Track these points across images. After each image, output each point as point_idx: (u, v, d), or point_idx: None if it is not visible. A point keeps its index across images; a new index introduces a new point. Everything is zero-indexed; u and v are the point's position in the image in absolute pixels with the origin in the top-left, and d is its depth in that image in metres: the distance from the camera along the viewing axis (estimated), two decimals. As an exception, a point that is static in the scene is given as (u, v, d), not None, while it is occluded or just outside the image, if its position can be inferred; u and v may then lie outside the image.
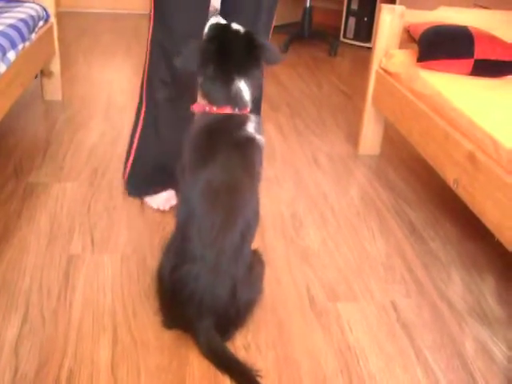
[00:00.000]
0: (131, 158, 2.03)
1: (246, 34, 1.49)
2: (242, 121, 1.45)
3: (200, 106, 1.50)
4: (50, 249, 1.75)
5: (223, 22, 1.55)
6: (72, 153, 2.40)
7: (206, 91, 1.48)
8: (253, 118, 1.47)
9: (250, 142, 1.45)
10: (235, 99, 1.45)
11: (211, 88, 1.46)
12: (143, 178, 2.04)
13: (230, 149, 1.42)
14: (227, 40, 1.47)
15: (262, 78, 1.55)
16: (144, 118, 1.97)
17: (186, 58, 1.49)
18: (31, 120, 2.74)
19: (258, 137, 1.46)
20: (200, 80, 1.48)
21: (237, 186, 1.40)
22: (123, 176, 2.09)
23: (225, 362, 1.34)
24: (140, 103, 1.98)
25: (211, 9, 1.93)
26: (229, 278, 1.35)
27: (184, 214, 1.41)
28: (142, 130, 1.98)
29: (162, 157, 1.98)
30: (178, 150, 1.99)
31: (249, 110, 1.47)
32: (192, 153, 1.46)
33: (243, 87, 1.45)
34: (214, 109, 1.46)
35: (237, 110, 1.45)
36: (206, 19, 1.89)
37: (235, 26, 1.51)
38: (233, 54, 1.46)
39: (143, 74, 1.95)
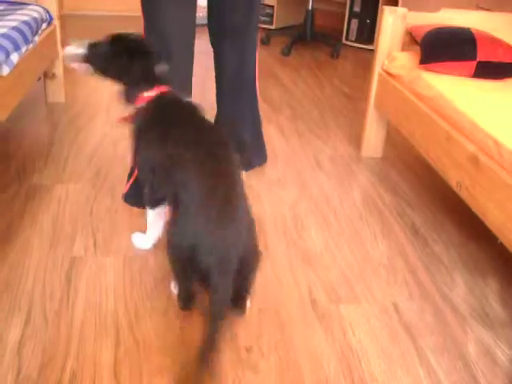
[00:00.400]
0: (133, 178, 2.00)
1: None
2: (173, 95, 1.61)
3: (124, 116, 1.65)
4: (53, 251, 1.75)
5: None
6: (74, 155, 2.40)
7: (130, 84, 1.62)
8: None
9: (200, 107, 1.58)
10: (161, 79, 1.62)
11: (135, 75, 1.60)
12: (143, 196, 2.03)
13: (183, 115, 1.56)
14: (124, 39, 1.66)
15: None
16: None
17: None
18: (34, 122, 2.74)
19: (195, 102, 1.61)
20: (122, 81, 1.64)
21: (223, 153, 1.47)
22: (124, 189, 2.07)
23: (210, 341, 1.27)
24: None
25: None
26: (244, 228, 1.40)
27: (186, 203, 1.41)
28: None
29: None
30: None
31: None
32: (165, 136, 1.51)
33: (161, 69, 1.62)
34: (147, 94, 1.58)
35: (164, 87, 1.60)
36: (195, 19, 1.90)
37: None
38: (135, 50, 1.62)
39: None
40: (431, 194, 2.31)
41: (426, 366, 1.43)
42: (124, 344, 1.41)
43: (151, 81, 1.59)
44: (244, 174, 2.13)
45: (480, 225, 1.66)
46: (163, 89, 1.59)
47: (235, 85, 2.12)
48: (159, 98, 1.57)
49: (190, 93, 1.96)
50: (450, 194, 2.15)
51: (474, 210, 1.66)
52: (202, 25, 2.24)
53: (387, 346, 1.48)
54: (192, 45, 1.89)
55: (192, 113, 1.55)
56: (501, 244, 1.54)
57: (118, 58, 1.60)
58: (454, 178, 1.78)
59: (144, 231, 1.88)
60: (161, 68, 1.61)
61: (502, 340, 1.53)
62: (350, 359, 1.42)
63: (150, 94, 1.57)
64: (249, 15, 1.99)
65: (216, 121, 2.22)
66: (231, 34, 2.00)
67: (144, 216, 1.98)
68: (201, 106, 1.56)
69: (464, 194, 1.71)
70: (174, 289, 1.59)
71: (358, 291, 1.69)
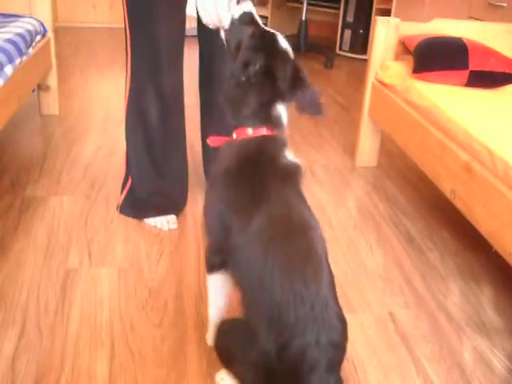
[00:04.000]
0: (128, 186, 2.00)
1: (296, 65, 1.33)
2: (282, 145, 1.26)
3: (221, 138, 1.31)
4: (47, 263, 1.75)
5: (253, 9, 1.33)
6: (69, 166, 2.40)
7: (239, 106, 1.24)
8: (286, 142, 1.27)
9: (298, 169, 1.25)
10: (276, 121, 1.25)
11: (249, 102, 1.23)
12: (139, 206, 2.01)
13: (280, 181, 1.19)
14: (277, 49, 1.29)
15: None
16: (136, 148, 1.93)
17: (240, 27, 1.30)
18: (28, 134, 2.74)
19: (299, 161, 1.27)
20: (228, 92, 1.27)
21: (303, 221, 1.17)
22: (119, 201, 2.06)
23: None
24: (128, 133, 1.94)
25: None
26: (340, 317, 1.14)
27: (254, 281, 1.10)
28: (137, 156, 1.94)
29: (157, 181, 1.96)
30: (174, 172, 1.98)
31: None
32: (232, 196, 1.20)
33: (283, 112, 1.27)
34: (249, 131, 1.24)
35: (276, 131, 1.25)
36: (184, 29, 1.88)
37: (282, 40, 1.32)
38: (280, 73, 1.26)
39: (127, 102, 1.89)
40: (426, 203, 2.32)
41: (422, 375, 1.42)
42: (119, 356, 1.41)
43: (263, 118, 1.25)
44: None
45: (474, 233, 1.67)
46: (270, 132, 1.25)
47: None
48: (259, 145, 1.24)
49: (182, 100, 1.95)
50: (444, 203, 2.15)
51: (468, 218, 1.67)
52: (192, 36, 2.24)
53: (384, 355, 1.48)
54: (182, 53, 1.88)
55: (288, 179, 1.22)
56: (495, 252, 1.54)
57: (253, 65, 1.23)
58: (447, 186, 1.78)
59: (139, 244, 1.88)
60: (281, 109, 1.27)
61: (497, 348, 1.53)
62: (346, 369, 1.42)
63: (253, 132, 1.25)
64: None
65: (204, 144, 2.18)
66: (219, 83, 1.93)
67: (139, 229, 1.97)
68: (300, 167, 1.26)
69: (458, 203, 1.72)
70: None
71: (354, 301, 1.68)
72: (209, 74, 1.99)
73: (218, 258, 1.28)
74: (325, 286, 1.09)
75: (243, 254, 1.13)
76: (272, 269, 1.07)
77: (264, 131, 1.24)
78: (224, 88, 1.29)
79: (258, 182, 1.17)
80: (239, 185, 1.19)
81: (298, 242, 1.11)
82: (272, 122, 1.25)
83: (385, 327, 1.58)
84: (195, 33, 1.97)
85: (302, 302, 1.05)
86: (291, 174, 1.23)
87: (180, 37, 1.85)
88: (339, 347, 1.12)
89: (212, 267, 1.32)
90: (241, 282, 1.17)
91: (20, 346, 1.41)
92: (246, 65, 1.23)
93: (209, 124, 2.08)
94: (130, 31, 1.78)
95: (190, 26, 2.03)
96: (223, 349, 1.25)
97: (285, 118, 1.28)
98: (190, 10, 1.86)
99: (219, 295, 1.35)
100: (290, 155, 1.25)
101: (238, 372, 1.22)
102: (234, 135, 1.26)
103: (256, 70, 1.22)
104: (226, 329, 1.27)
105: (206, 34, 1.96)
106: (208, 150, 2.11)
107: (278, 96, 1.25)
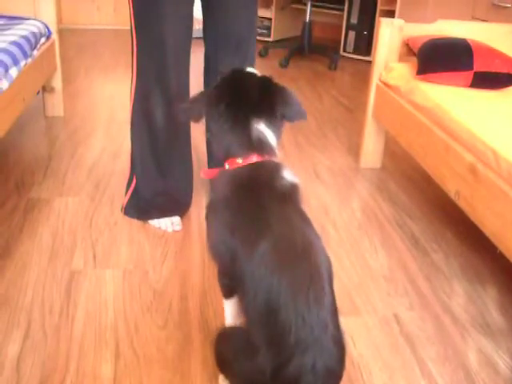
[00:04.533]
0: (132, 187, 2.00)
1: (263, 77, 1.34)
2: (276, 167, 1.25)
3: (213, 170, 1.32)
4: (52, 264, 1.75)
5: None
6: (73, 168, 2.41)
7: (223, 141, 1.28)
8: (282, 164, 1.28)
9: (296, 189, 1.24)
10: (259, 145, 1.25)
11: (228, 136, 1.27)
12: (143, 207, 2.01)
13: (279, 203, 1.18)
14: (240, 81, 1.32)
15: (282, 124, 1.34)
16: (141, 149, 1.94)
17: (192, 104, 1.34)
18: (33, 136, 2.75)
19: (298, 181, 1.26)
20: (210, 132, 1.30)
21: (307, 241, 1.15)
22: (123, 202, 2.06)
23: None
24: (133, 135, 1.95)
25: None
26: (340, 345, 1.12)
27: (258, 303, 1.09)
28: (141, 157, 1.95)
29: (162, 182, 1.97)
30: (178, 173, 1.99)
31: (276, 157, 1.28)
32: (234, 223, 1.18)
33: (265, 131, 1.27)
34: (239, 161, 1.25)
35: (266, 157, 1.25)
36: (191, 29, 1.88)
37: (250, 69, 1.37)
38: (248, 96, 1.29)
39: (132, 103, 1.89)
40: (430, 204, 2.31)
41: (427, 377, 1.42)
42: (124, 357, 1.41)
43: (248, 145, 1.25)
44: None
45: (479, 234, 1.66)
46: (260, 157, 1.25)
47: None
48: (252, 171, 1.24)
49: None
50: (448, 204, 2.15)
51: (472, 219, 1.66)
52: (197, 38, 2.24)
53: (388, 357, 1.48)
54: (188, 54, 1.88)
55: (287, 201, 1.21)
56: (500, 253, 1.54)
57: (216, 107, 1.28)
58: (452, 187, 1.78)
59: (144, 245, 1.89)
60: (258, 130, 1.27)
61: (502, 349, 1.53)
62: (351, 371, 1.42)
63: (243, 161, 1.25)
64: (251, 25, 1.98)
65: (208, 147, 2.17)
66: (234, 46, 1.98)
67: (144, 230, 1.98)
68: (297, 185, 1.25)
69: (462, 204, 1.71)
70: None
71: (359, 302, 1.68)
72: (214, 75, 1.99)
73: (229, 281, 1.28)
74: (325, 310, 1.08)
75: (249, 277, 1.11)
76: (278, 292, 1.06)
77: (254, 158, 1.24)
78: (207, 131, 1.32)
79: (258, 208, 1.17)
80: (240, 212, 1.19)
81: (302, 265, 1.10)
82: (257, 147, 1.25)
83: (389, 328, 1.58)
84: (200, 34, 1.97)
85: (304, 325, 1.05)
86: (289, 195, 1.22)
87: (187, 38, 1.84)
88: (334, 374, 1.10)
89: (226, 291, 1.33)
90: (246, 302, 1.16)
91: (25, 347, 1.42)
92: (216, 104, 1.27)
93: None
94: (136, 32, 1.78)
95: (195, 27, 2.03)
96: (220, 355, 1.25)
97: (272, 139, 1.28)
98: (195, 12, 1.86)
99: (236, 321, 1.34)
100: (287, 175, 1.24)
101: (232, 380, 1.23)
102: (227, 165, 1.27)
103: (225, 105, 1.26)
104: (225, 335, 1.26)
105: (213, 36, 1.96)
106: (213, 154, 2.11)
107: (258, 119, 1.26)
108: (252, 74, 1.35)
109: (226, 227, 1.20)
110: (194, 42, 1.90)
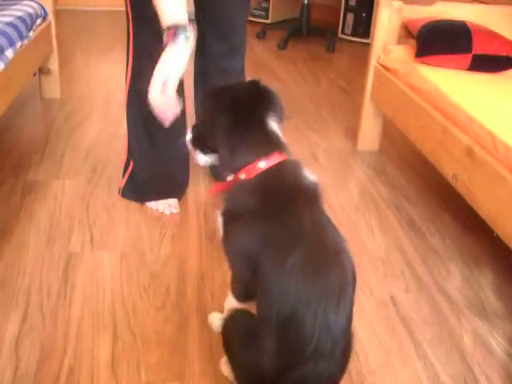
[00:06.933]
0: (129, 169, 2.00)
1: (253, 81, 1.29)
2: (298, 167, 1.20)
3: (223, 183, 1.24)
4: (50, 247, 1.75)
5: None
6: (70, 150, 2.40)
7: (237, 153, 1.19)
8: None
9: (318, 189, 1.21)
10: (278, 143, 1.21)
11: (245, 142, 1.20)
12: (141, 189, 2.01)
13: (309, 208, 1.15)
14: (234, 91, 1.26)
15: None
16: (137, 132, 1.93)
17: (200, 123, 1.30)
18: (30, 118, 2.74)
19: (317, 179, 1.23)
20: (224, 145, 1.22)
21: (336, 245, 1.12)
22: (120, 184, 2.06)
23: None
24: (129, 117, 1.94)
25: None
26: (347, 352, 1.12)
27: (283, 312, 1.05)
28: (138, 139, 1.94)
29: (159, 164, 1.96)
30: (175, 155, 1.98)
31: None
32: (264, 234, 1.12)
33: (277, 129, 1.24)
34: (261, 165, 1.17)
35: (285, 153, 1.20)
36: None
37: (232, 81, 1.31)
38: (251, 100, 1.25)
39: (128, 86, 1.87)
40: (427, 187, 2.32)
41: (423, 358, 1.43)
42: (122, 339, 1.42)
43: (267, 143, 1.20)
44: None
45: (476, 217, 1.67)
46: (279, 157, 1.19)
47: (223, 79, 2.07)
48: (278, 174, 1.18)
49: (182, 83, 1.94)
50: (446, 187, 2.15)
51: (469, 202, 1.67)
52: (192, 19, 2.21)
53: (384, 338, 1.49)
54: None
55: (314, 202, 1.18)
56: (496, 236, 1.54)
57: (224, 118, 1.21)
58: (449, 170, 1.78)
59: (142, 227, 1.89)
60: (273, 129, 1.23)
61: (497, 331, 1.54)
62: (347, 352, 1.43)
63: (267, 162, 1.17)
64: (241, 9, 1.95)
65: None
66: (222, 31, 1.92)
67: (141, 212, 1.98)
68: (319, 185, 1.22)
69: (460, 187, 1.71)
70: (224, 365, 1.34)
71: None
72: (204, 58, 1.97)
73: (245, 288, 1.25)
74: (347, 318, 1.07)
75: (276, 287, 1.06)
76: (308, 302, 1.03)
77: (277, 157, 1.18)
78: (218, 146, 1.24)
79: (290, 215, 1.12)
80: (271, 222, 1.12)
81: (334, 272, 1.07)
82: (278, 145, 1.20)
83: (386, 310, 1.59)
84: (192, 17, 1.95)
85: (327, 334, 1.03)
86: (315, 197, 1.19)
87: None
88: (333, 381, 1.11)
89: (240, 296, 1.30)
90: (267, 310, 1.10)
91: (23, 329, 1.43)
92: (222, 118, 1.21)
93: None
94: (132, 12, 1.75)
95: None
96: (227, 339, 1.24)
97: (282, 137, 1.24)
98: None
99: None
100: (308, 174, 1.21)
101: (233, 365, 1.23)
102: (243, 175, 1.18)
103: (233, 114, 1.21)
104: (235, 320, 1.24)
105: (201, 19, 1.94)
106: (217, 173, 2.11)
107: (269, 119, 1.23)
108: (241, 82, 1.30)
109: (252, 239, 1.13)
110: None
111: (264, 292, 1.10)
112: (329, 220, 1.17)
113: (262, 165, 1.16)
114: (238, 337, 1.21)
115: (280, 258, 1.07)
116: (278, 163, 1.17)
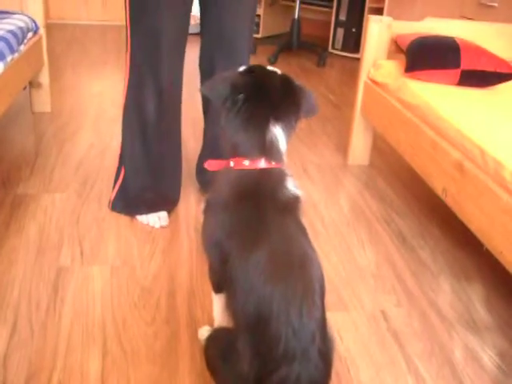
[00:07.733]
0: (120, 180, 1.99)
1: (284, 75, 1.28)
2: (282, 177, 1.21)
3: (219, 162, 1.26)
4: (39, 261, 1.74)
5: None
6: (61, 164, 2.39)
7: (233, 137, 1.21)
8: (288, 171, 1.23)
9: (297, 201, 1.21)
10: (271, 149, 1.20)
11: (240, 133, 1.20)
12: (131, 201, 2.00)
13: (279, 214, 1.15)
14: (263, 76, 1.25)
15: (295, 129, 1.29)
16: (132, 141, 1.93)
17: (214, 85, 1.25)
18: (20, 131, 2.73)
19: (301, 193, 1.23)
20: (224, 121, 1.22)
21: (303, 254, 1.13)
22: (110, 196, 2.05)
23: None
24: (125, 127, 1.94)
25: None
26: (326, 358, 1.10)
27: (248, 310, 1.07)
28: (133, 149, 1.94)
29: (151, 176, 1.96)
30: (168, 168, 1.98)
31: (284, 165, 1.23)
32: (231, 227, 1.16)
33: (279, 135, 1.22)
34: (246, 163, 1.19)
35: (273, 163, 1.20)
36: (188, 23, 1.86)
37: (270, 67, 1.30)
38: (269, 93, 1.22)
39: (125, 96, 1.89)
40: (418, 201, 2.33)
41: (414, 373, 1.43)
42: (112, 353, 1.40)
43: (258, 147, 1.20)
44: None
45: (466, 231, 1.68)
46: (268, 163, 1.20)
47: None
48: (257, 178, 1.19)
49: (180, 97, 1.94)
50: (436, 201, 2.16)
51: (459, 216, 1.68)
52: (194, 34, 2.22)
53: (375, 353, 1.49)
54: (183, 50, 1.86)
55: (287, 211, 1.18)
56: (486, 250, 1.55)
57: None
58: (439, 184, 1.79)
59: (132, 241, 1.88)
60: (274, 133, 1.21)
61: (488, 345, 1.54)
62: (338, 367, 1.42)
63: (250, 164, 1.20)
64: (248, 22, 1.95)
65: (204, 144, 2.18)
66: (228, 45, 1.91)
67: (132, 226, 1.97)
68: (300, 198, 1.22)
69: (449, 201, 1.72)
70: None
71: (346, 299, 1.69)
72: (208, 74, 1.97)
73: (219, 279, 1.27)
74: (315, 323, 1.07)
75: (241, 282, 1.09)
76: (270, 302, 1.05)
77: (262, 163, 1.19)
78: (219, 123, 1.24)
79: (257, 217, 1.14)
80: (239, 218, 1.15)
81: (297, 277, 1.08)
82: (268, 151, 1.19)
83: (377, 325, 1.59)
84: (197, 30, 1.94)
85: (294, 336, 1.04)
86: (291, 207, 1.19)
87: (183, 32, 1.82)
88: None
89: (215, 286, 1.32)
90: (234, 305, 1.14)
91: (12, 343, 1.41)
92: (234, 94, 1.19)
93: (211, 122, 2.08)
94: (131, 23, 1.76)
95: (192, 23, 1.99)
96: (209, 359, 1.25)
97: (283, 145, 1.23)
98: (193, 8, 1.84)
99: (225, 315, 1.30)
100: (291, 186, 1.21)
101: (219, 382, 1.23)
102: (232, 163, 1.21)
103: (244, 97, 1.20)
104: (213, 339, 1.26)
105: (207, 32, 1.94)
106: (203, 157, 2.11)
107: (275, 121, 1.21)
108: (274, 72, 1.28)
109: (222, 229, 1.17)
110: (190, 37, 1.88)
111: (231, 286, 1.13)
112: (303, 231, 1.18)
113: (246, 163, 1.19)
114: (218, 353, 1.22)
115: (244, 253, 1.10)
116: (263, 169, 1.19)
